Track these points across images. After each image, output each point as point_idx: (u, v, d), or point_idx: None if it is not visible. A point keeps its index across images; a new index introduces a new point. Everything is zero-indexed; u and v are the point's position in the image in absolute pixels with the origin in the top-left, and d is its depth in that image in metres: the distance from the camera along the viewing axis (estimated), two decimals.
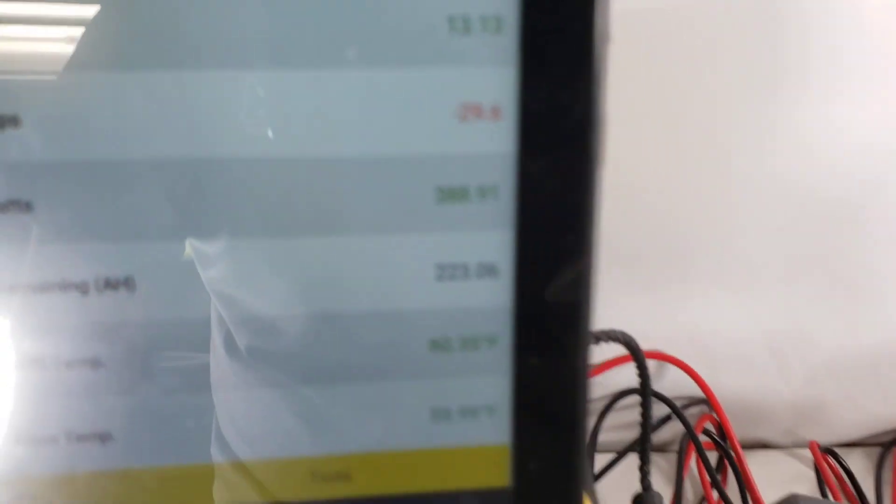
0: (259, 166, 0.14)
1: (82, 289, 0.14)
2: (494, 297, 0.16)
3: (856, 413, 0.59)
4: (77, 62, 0.14)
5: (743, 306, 0.53)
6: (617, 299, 0.51)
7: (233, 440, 0.16)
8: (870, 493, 0.55)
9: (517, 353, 0.16)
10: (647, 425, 0.37)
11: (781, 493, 0.57)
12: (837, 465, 0.56)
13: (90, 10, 0.14)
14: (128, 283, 0.15)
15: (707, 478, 0.50)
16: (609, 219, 0.46)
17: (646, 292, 0.52)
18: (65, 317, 0.14)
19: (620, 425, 0.56)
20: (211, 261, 0.15)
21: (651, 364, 0.53)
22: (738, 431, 0.58)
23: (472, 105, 0.15)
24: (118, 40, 0.14)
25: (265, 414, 0.16)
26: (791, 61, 0.41)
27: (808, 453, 0.56)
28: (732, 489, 0.53)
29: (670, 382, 0.54)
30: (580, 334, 0.16)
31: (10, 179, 0.14)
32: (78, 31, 0.14)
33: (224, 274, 0.15)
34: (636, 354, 0.35)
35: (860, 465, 0.58)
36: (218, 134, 0.14)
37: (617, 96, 0.43)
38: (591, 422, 0.52)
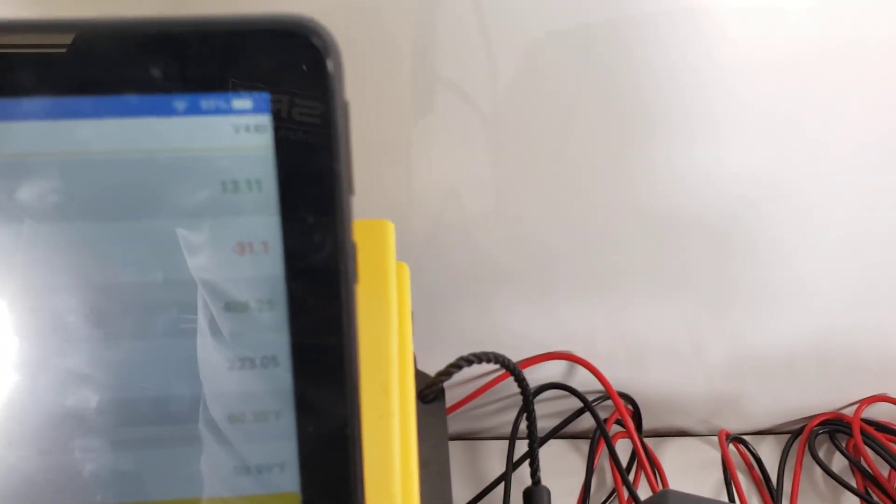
0: None
1: None
2: (277, 381, 0.20)
3: (770, 404, 0.63)
4: None
5: (666, 309, 0.57)
6: (540, 300, 0.55)
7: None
8: (776, 482, 0.60)
9: (299, 425, 0.21)
10: (533, 430, 0.42)
11: (692, 479, 0.62)
12: (747, 453, 0.61)
13: None
14: None
15: (616, 471, 0.55)
16: (536, 233, 0.50)
17: (567, 294, 0.56)
18: None
19: (546, 414, 0.61)
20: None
21: (564, 364, 0.57)
22: (659, 421, 0.64)
23: (247, 243, 0.19)
24: None
25: None
26: (662, 110, 0.45)
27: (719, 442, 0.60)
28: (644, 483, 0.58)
29: (588, 377, 0.58)
30: (348, 413, 0.20)
31: None
32: None
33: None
34: (512, 370, 0.39)
35: (771, 453, 0.63)
36: None
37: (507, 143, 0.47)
38: (510, 415, 0.57)
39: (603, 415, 0.58)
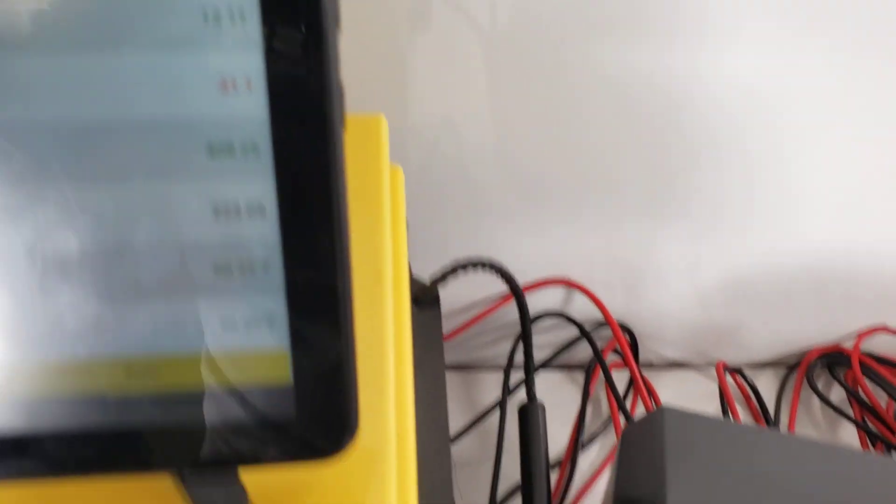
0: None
1: None
2: (265, 231, 0.20)
3: (766, 336, 0.63)
4: None
5: (660, 235, 0.56)
6: (534, 229, 0.55)
7: None
8: (773, 412, 0.60)
9: (288, 276, 0.20)
10: (528, 344, 0.42)
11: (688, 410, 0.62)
12: (745, 384, 0.61)
13: None
14: None
15: (612, 397, 0.55)
16: (530, 159, 0.49)
17: (565, 220, 0.55)
18: None
19: (543, 345, 0.61)
20: None
21: (562, 289, 0.57)
22: (654, 353, 0.63)
23: (228, 79, 0.18)
24: None
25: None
26: (661, 21, 0.44)
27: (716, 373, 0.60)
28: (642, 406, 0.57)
29: (585, 305, 0.58)
30: (336, 266, 0.20)
31: None
32: None
33: None
34: (508, 280, 0.39)
35: (768, 385, 0.63)
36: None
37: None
38: (506, 345, 0.57)
39: (599, 345, 0.58)
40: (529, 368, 0.42)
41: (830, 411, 0.59)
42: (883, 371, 0.58)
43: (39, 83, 0.18)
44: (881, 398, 0.59)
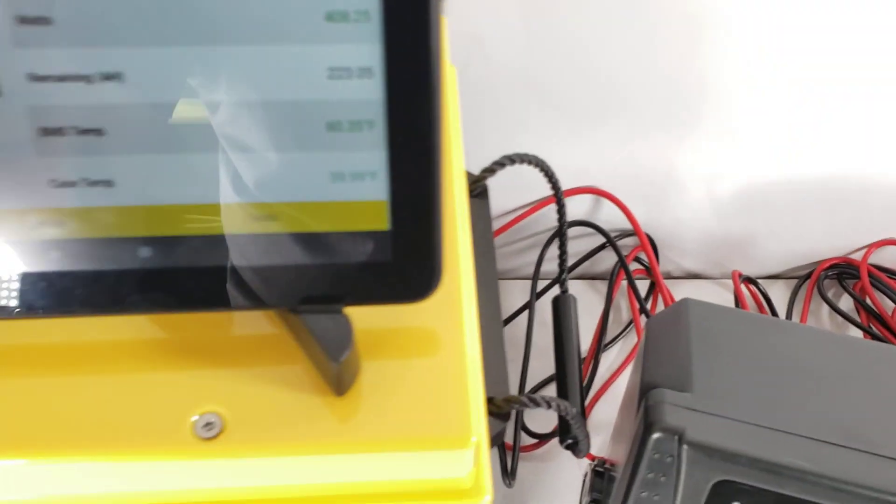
0: None
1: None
2: (372, 92, 0.23)
3: (779, 247, 0.66)
4: None
5: (681, 146, 0.59)
6: (559, 139, 0.57)
7: None
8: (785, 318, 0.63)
9: (390, 136, 0.23)
10: (563, 241, 0.45)
11: None
12: (758, 293, 0.64)
13: None
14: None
15: (634, 300, 0.58)
16: (557, 73, 0.52)
17: (589, 133, 0.58)
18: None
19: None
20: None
21: (589, 199, 0.60)
22: (673, 263, 0.67)
23: None
24: None
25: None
26: None
27: (732, 283, 0.64)
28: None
29: (609, 216, 0.61)
30: (431, 127, 0.23)
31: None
32: None
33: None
34: (550, 177, 0.42)
35: (780, 295, 0.66)
36: None
37: None
38: (534, 255, 0.60)
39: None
40: (563, 262, 0.45)
41: (839, 319, 0.63)
42: (890, 281, 0.62)
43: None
44: (888, 308, 0.62)
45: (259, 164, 0.23)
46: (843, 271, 0.65)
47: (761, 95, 0.56)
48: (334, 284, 0.25)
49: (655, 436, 0.35)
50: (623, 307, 0.64)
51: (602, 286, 0.65)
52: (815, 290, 0.64)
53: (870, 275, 0.63)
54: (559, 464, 0.55)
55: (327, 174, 0.24)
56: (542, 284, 0.60)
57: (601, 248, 0.62)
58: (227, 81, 0.22)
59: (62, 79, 0.22)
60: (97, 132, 0.22)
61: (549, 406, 0.32)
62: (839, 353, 0.41)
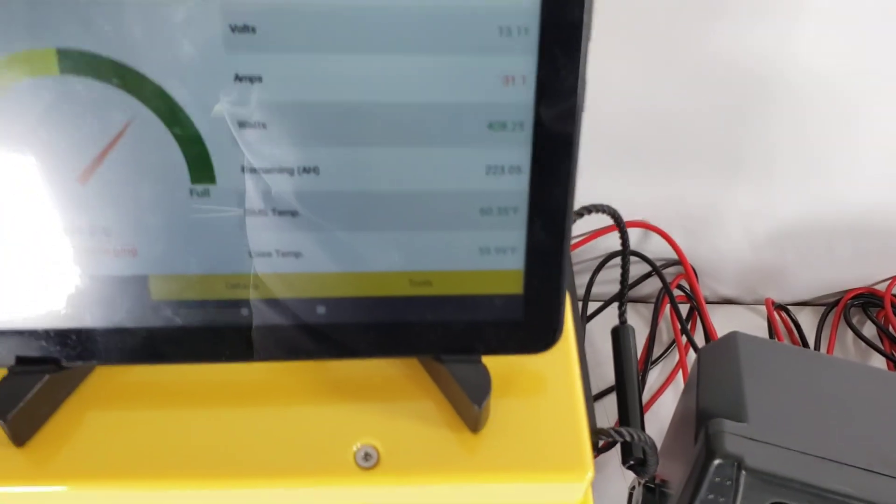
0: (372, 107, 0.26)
1: None
2: (519, 185, 0.27)
3: (809, 277, 0.71)
4: None
5: (723, 186, 0.64)
6: (616, 178, 0.62)
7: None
8: (813, 345, 0.68)
9: (530, 219, 0.28)
10: (626, 276, 0.50)
11: None
12: (788, 319, 0.69)
13: None
14: None
15: (677, 323, 0.63)
16: (609, 115, 0.57)
17: (640, 172, 0.63)
18: None
19: (610, 280, 0.69)
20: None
21: (637, 232, 0.65)
22: (710, 290, 0.71)
23: (511, 76, 0.26)
24: None
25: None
26: None
27: (764, 308, 0.69)
28: (699, 335, 0.66)
29: (654, 247, 0.66)
30: (564, 213, 0.28)
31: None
32: None
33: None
34: (618, 222, 0.46)
35: (808, 321, 0.71)
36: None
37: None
38: (586, 277, 0.65)
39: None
40: (623, 295, 0.50)
41: (863, 345, 0.67)
42: None
43: (383, 74, 0.26)
44: None
45: (422, 241, 0.28)
46: (867, 300, 0.70)
47: (795, 144, 0.60)
48: (474, 338, 0.29)
49: (717, 462, 0.40)
50: (663, 329, 0.69)
51: (643, 308, 0.70)
52: (842, 317, 0.69)
53: (893, 304, 0.67)
54: (604, 476, 0.60)
55: (476, 249, 0.28)
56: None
57: (648, 276, 0.66)
58: (404, 174, 0.27)
59: (269, 171, 0.27)
60: (293, 213, 0.27)
61: (633, 438, 0.36)
62: (876, 385, 0.45)
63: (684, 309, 0.68)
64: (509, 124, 0.27)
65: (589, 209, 0.44)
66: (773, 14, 0.52)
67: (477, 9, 0.25)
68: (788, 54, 0.55)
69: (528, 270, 0.29)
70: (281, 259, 0.28)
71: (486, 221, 0.28)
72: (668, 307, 0.66)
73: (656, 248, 0.66)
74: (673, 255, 0.66)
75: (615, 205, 0.63)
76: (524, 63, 0.26)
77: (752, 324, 0.70)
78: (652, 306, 0.68)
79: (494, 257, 0.29)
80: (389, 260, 0.28)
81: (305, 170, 0.27)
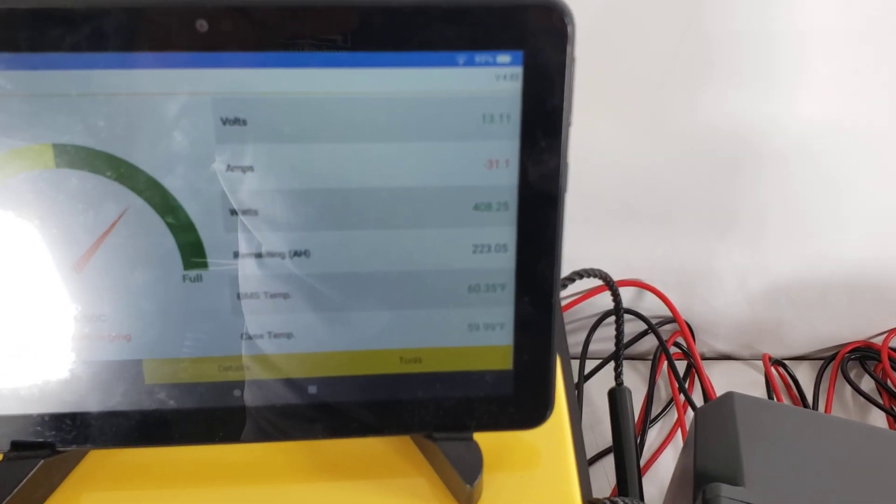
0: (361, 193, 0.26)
1: None
2: (506, 262, 0.28)
3: (805, 331, 0.71)
4: None
5: (711, 244, 0.65)
6: (610, 237, 0.63)
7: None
8: (811, 400, 0.68)
9: (517, 295, 0.28)
10: (620, 337, 0.50)
11: None
12: (786, 375, 0.69)
13: None
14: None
15: (675, 381, 0.63)
16: (603, 177, 0.58)
17: (634, 232, 0.64)
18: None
19: (607, 338, 0.69)
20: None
21: (632, 290, 0.65)
22: (706, 346, 0.72)
23: (494, 160, 0.27)
24: None
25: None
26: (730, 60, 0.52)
27: (762, 364, 0.69)
28: (698, 392, 0.66)
29: (650, 304, 0.66)
30: (551, 288, 0.28)
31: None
32: None
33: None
34: (610, 284, 0.47)
35: (806, 376, 0.71)
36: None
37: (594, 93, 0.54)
38: (583, 334, 0.65)
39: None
40: (619, 357, 0.50)
41: (862, 399, 0.67)
42: None
43: (371, 161, 0.26)
44: None
45: (412, 319, 0.28)
46: (864, 354, 0.70)
47: (788, 201, 0.61)
48: (464, 414, 0.30)
49: None
50: (661, 386, 0.69)
51: (641, 365, 0.70)
52: (840, 371, 0.69)
53: (890, 358, 0.67)
54: None
55: (465, 325, 0.29)
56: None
57: (644, 333, 0.67)
58: (393, 255, 0.28)
59: (261, 255, 0.27)
60: (284, 296, 0.28)
61: None
62: (876, 445, 0.45)
63: (682, 366, 0.68)
64: (494, 205, 0.27)
65: (580, 274, 0.45)
66: (758, 80, 0.53)
67: (461, 97, 0.26)
68: (774, 117, 0.56)
69: (517, 346, 0.29)
70: (273, 340, 0.28)
71: (475, 298, 0.29)
72: (665, 364, 0.66)
73: (652, 306, 0.67)
74: (668, 313, 0.66)
75: (609, 264, 0.64)
76: (507, 147, 0.27)
77: (749, 380, 0.70)
78: (650, 363, 0.68)
79: (483, 333, 0.29)
80: (380, 338, 0.29)
81: (297, 253, 0.27)
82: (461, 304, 0.29)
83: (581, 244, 0.61)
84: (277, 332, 0.28)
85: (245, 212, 0.27)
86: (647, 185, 0.59)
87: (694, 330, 0.68)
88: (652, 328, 0.64)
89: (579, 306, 0.66)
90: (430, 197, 0.27)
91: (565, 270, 0.48)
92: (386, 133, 0.26)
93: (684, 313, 0.67)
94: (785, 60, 0.52)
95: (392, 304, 0.28)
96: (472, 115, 0.26)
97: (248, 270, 0.27)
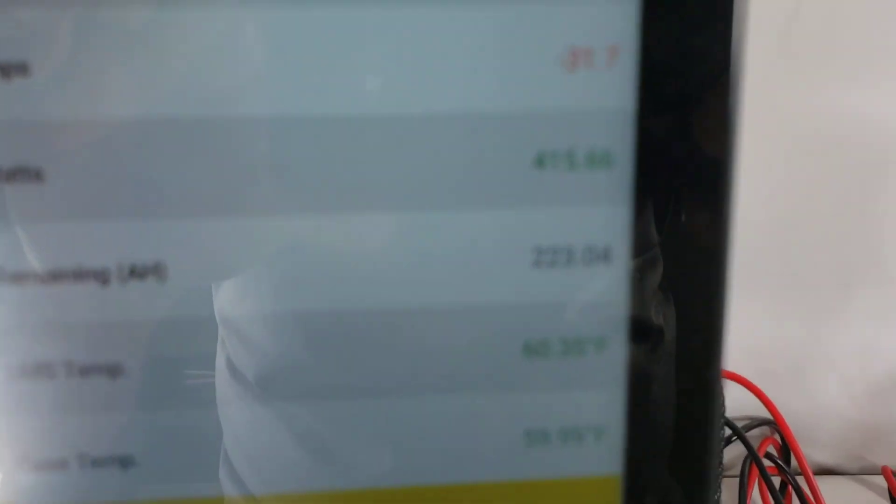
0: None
1: (102, 277, 0.12)
2: (605, 288, 0.13)
3: None
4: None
5: (802, 323, 0.51)
6: None
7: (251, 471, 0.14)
8: None
9: (632, 361, 0.13)
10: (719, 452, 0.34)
11: None
12: None
13: None
14: (157, 269, 0.12)
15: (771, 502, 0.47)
16: None
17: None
18: (80, 312, 0.12)
19: None
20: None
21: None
22: (807, 456, 0.56)
23: (583, 50, 0.12)
24: None
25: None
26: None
27: (880, 480, 0.53)
28: None
29: (730, 401, 0.51)
30: (714, 339, 0.13)
31: (17, 142, 0.11)
32: None
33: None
34: None
35: None
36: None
37: None
38: None
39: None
40: (717, 485, 0.35)
41: None
42: None
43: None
44: None
45: (398, 424, 0.13)
46: None
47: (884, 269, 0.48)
48: None
49: None
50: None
51: (727, 481, 0.54)
52: None
53: None
54: None
55: (520, 433, 0.13)
56: None
57: (727, 441, 0.51)
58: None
59: None
60: None
61: None
62: None
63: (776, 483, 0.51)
64: (581, 156, 0.12)
65: None
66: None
67: None
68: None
69: (631, 478, 0.14)
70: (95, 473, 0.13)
71: (538, 372, 0.13)
72: (757, 481, 0.50)
73: (731, 405, 0.51)
74: (754, 414, 0.51)
75: None
76: (611, 21, 0.12)
77: (865, 501, 0.54)
78: (732, 480, 0.52)
79: (558, 450, 0.13)
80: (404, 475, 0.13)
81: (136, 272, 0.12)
82: (509, 386, 0.13)
83: None
84: (102, 457, 0.13)
85: None
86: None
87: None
88: (738, 433, 0.48)
89: None
90: (441, 134, 0.12)
91: None
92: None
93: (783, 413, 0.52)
94: None
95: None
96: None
97: None
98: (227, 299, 0.13)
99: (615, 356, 0.13)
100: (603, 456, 0.13)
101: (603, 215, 0.12)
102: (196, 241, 0.12)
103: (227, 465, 0.14)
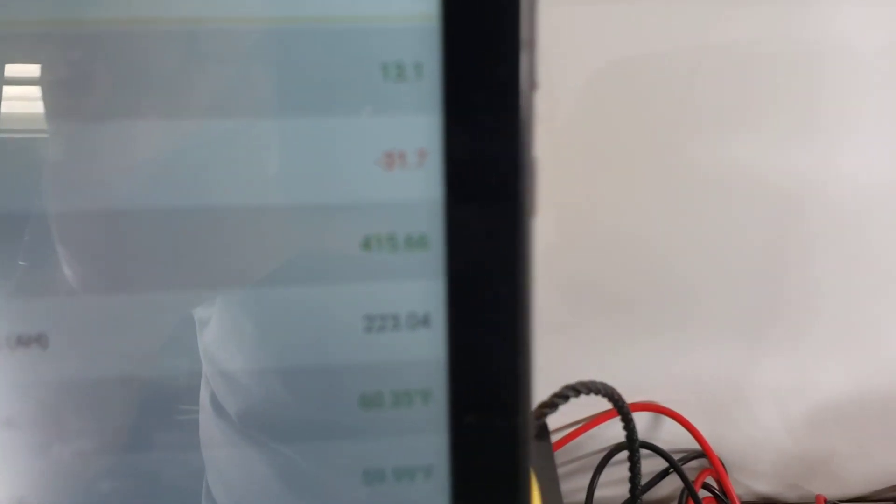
0: (168, 217, 0.14)
1: None
2: (427, 348, 0.15)
3: (865, 465, 0.57)
4: None
5: (741, 355, 0.52)
6: (610, 348, 0.50)
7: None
8: None
9: (453, 409, 0.15)
10: (637, 482, 0.36)
11: None
12: None
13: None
14: (40, 339, 0.14)
15: None
16: (601, 266, 0.45)
17: (641, 341, 0.51)
18: None
19: (618, 480, 0.54)
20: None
21: (647, 416, 0.52)
22: (741, 486, 0.57)
23: (398, 153, 0.14)
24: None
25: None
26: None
27: None
28: None
29: (669, 434, 0.52)
30: (520, 389, 0.15)
31: None
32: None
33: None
34: (620, 407, 0.34)
35: None
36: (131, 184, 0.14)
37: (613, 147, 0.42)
38: (587, 477, 0.51)
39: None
40: (635, 500, 0.36)
41: None
42: None
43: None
44: None
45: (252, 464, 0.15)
46: None
47: (837, 308, 0.49)
48: None
49: None
50: None
51: None
52: None
53: None
54: None
55: (359, 473, 0.15)
56: None
57: (664, 474, 0.52)
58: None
59: None
60: None
61: None
62: None
63: None
64: (400, 239, 0.15)
65: (576, 389, 0.31)
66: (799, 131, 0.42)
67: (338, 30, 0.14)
68: (822, 181, 0.44)
69: None
70: None
71: (373, 420, 0.15)
72: None
73: (670, 438, 0.53)
74: (693, 445, 0.52)
75: (612, 383, 0.50)
76: (419, 128, 0.14)
77: None
78: None
79: (393, 488, 0.16)
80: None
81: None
82: (348, 432, 0.15)
83: (571, 356, 0.48)
84: None
85: None
86: (658, 275, 0.47)
87: (727, 467, 0.54)
88: (675, 466, 0.50)
89: (578, 440, 0.51)
90: (279, 225, 0.14)
91: (554, 386, 0.35)
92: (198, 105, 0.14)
93: (714, 445, 0.53)
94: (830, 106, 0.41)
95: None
96: (361, 67, 0.14)
97: None
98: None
99: (439, 405, 0.15)
100: (432, 493, 0.15)
101: (422, 288, 0.15)
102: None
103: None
